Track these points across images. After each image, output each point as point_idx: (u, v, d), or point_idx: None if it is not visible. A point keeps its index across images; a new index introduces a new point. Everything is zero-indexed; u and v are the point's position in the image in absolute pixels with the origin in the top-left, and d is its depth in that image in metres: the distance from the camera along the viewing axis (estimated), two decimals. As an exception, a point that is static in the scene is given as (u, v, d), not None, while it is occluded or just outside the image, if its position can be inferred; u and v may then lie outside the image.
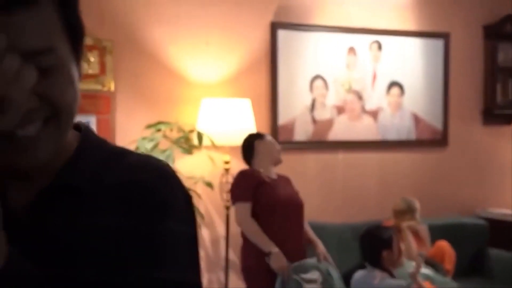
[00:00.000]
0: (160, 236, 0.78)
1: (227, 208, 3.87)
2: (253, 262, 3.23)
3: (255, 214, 3.21)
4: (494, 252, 4.50)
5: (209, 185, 3.73)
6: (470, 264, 4.49)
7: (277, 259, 3.06)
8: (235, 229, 3.84)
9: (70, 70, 0.75)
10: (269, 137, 3.47)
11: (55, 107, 0.73)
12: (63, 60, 0.74)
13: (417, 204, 4.07)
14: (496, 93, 4.94)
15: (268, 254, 3.08)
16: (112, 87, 3.76)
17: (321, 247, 3.34)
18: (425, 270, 3.72)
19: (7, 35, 0.66)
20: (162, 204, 0.80)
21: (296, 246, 3.27)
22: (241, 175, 3.32)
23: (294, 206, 3.32)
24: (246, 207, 3.19)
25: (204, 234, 4.01)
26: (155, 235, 0.78)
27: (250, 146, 3.42)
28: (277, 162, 3.42)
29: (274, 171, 3.41)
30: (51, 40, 0.72)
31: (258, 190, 3.23)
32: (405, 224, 4.00)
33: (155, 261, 0.77)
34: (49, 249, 0.76)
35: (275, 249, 3.07)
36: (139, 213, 0.78)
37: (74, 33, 0.77)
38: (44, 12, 0.71)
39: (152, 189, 0.80)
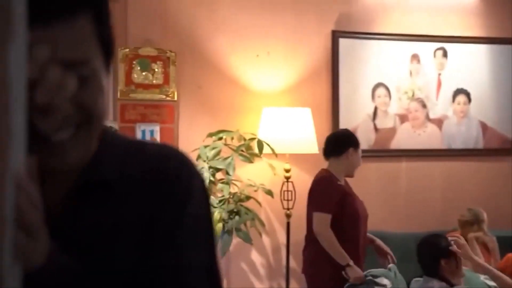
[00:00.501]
0: (186, 221, 0.84)
1: (288, 216, 3.88)
2: (321, 269, 3.25)
3: (337, 224, 3.20)
4: None
5: (269, 193, 3.75)
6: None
7: (355, 271, 3.12)
8: (295, 237, 3.86)
9: (102, 81, 0.80)
10: (360, 149, 3.42)
11: (88, 114, 0.78)
12: (96, 71, 0.79)
13: (485, 215, 3.95)
14: None
15: (346, 266, 3.12)
16: (176, 97, 3.86)
17: (384, 245, 3.37)
18: (491, 282, 3.59)
19: (49, 46, 0.72)
20: (186, 190, 0.85)
21: (363, 255, 3.33)
22: (327, 184, 3.27)
23: (365, 217, 3.35)
24: (327, 218, 3.19)
25: (264, 242, 4.04)
26: (182, 220, 0.84)
27: (342, 148, 3.35)
28: (352, 176, 3.42)
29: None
30: (88, 52, 0.78)
31: (342, 202, 3.23)
32: (471, 235, 3.88)
33: (183, 245, 0.83)
34: (84, 242, 0.81)
35: (351, 262, 3.13)
36: (166, 200, 0.84)
37: (107, 46, 0.82)
38: (81, 26, 0.76)
39: (176, 176, 0.86)
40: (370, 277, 3.14)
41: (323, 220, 3.19)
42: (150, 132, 3.76)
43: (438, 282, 2.83)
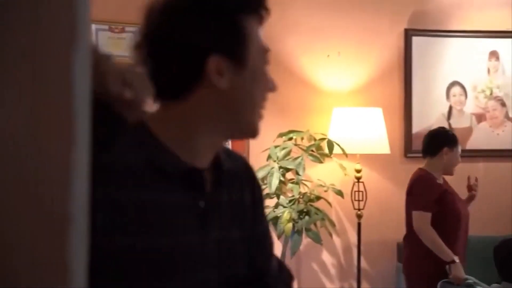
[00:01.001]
0: (263, 201, 1.18)
1: (359, 216, 3.85)
2: (419, 269, 3.23)
3: (438, 223, 3.16)
4: None
5: (340, 193, 3.74)
6: None
7: (458, 269, 3.09)
8: (366, 237, 3.83)
9: None
10: (459, 147, 3.35)
11: None
12: None
13: None
14: None
15: (451, 262, 3.09)
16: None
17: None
18: None
19: None
20: (257, 179, 1.19)
21: (464, 256, 3.27)
22: (424, 183, 3.26)
23: (466, 216, 3.31)
24: (427, 216, 3.16)
25: (335, 242, 4.02)
26: (262, 201, 1.17)
27: (436, 148, 3.30)
28: (450, 174, 3.37)
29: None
30: None
31: (441, 200, 3.20)
32: None
33: (265, 217, 1.23)
34: (219, 218, 1.04)
35: (457, 258, 3.10)
36: (250, 187, 1.14)
37: None
38: None
39: (251, 170, 1.18)
40: (471, 281, 3.07)
41: (422, 218, 3.17)
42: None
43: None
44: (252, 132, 1.09)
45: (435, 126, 4.13)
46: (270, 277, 1.13)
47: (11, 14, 0.60)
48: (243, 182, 1.12)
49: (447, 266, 3.09)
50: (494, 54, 4.28)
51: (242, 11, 0.99)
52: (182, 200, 0.99)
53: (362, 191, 3.85)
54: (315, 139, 3.74)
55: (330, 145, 3.65)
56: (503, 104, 4.28)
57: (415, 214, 3.19)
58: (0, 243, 0.58)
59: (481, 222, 4.17)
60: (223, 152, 1.09)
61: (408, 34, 4.15)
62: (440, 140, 3.31)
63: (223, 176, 1.05)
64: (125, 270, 0.91)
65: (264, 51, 1.06)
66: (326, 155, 3.70)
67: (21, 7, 0.61)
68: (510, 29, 4.26)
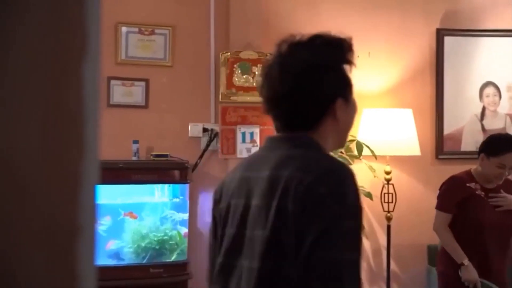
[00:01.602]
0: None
1: (388, 219, 3.82)
2: (447, 269, 3.17)
3: (456, 226, 3.10)
4: None
5: (369, 195, 3.70)
6: None
7: (468, 271, 3.03)
8: (396, 240, 3.79)
9: None
10: (502, 159, 3.02)
11: None
12: None
13: None
14: None
15: (461, 265, 3.04)
16: (272, 99, 3.90)
17: None
18: None
19: None
20: None
21: (498, 269, 3.11)
22: (451, 183, 3.17)
23: (496, 227, 3.08)
24: (445, 217, 3.12)
25: (365, 244, 3.99)
26: None
27: (479, 151, 3.13)
28: (490, 182, 3.11)
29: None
30: None
31: (464, 204, 3.10)
32: None
33: None
34: None
35: (467, 261, 3.03)
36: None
37: None
38: None
39: None
40: (485, 284, 3.02)
41: (440, 218, 3.13)
42: (250, 134, 3.84)
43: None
44: (343, 146, 1.53)
45: (467, 128, 4.08)
46: None
47: (26, 26, 0.61)
48: None
49: (459, 270, 3.03)
50: None
51: (345, 62, 1.37)
52: None
53: (391, 193, 3.81)
54: (344, 141, 3.72)
55: (359, 146, 3.62)
56: (538, 104, 4.18)
57: (436, 212, 3.16)
58: (9, 253, 0.59)
59: None
60: None
61: (440, 34, 4.09)
62: (483, 145, 3.15)
63: None
64: None
65: (352, 92, 1.41)
66: (355, 157, 3.68)
67: (37, 20, 0.62)
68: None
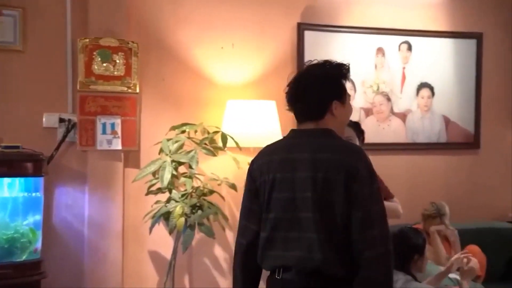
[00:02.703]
0: None
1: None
2: None
3: None
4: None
5: (233, 187, 3.70)
6: (504, 269, 4.36)
7: None
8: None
9: None
10: None
11: None
12: None
13: (447, 209, 3.98)
14: (531, 95, 4.80)
15: None
16: (138, 89, 3.77)
17: None
18: (453, 275, 3.62)
19: None
20: None
21: None
22: None
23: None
24: None
25: (228, 236, 3.99)
26: None
27: None
28: None
29: None
30: None
31: None
32: (433, 228, 3.91)
33: None
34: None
35: None
36: None
37: None
38: None
39: None
40: None
41: None
42: (111, 125, 3.67)
43: (403, 275, 2.83)
44: (342, 134, 2.09)
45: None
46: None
47: None
48: None
49: None
50: (380, 51, 4.43)
51: (344, 77, 2.08)
52: None
53: (255, 185, 3.84)
54: (208, 132, 3.68)
55: (224, 138, 3.60)
56: (389, 99, 4.44)
57: None
58: None
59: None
60: None
61: (301, 28, 4.19)
62: None
63: None
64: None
65: (348, 96, 2.10)
66: (220, 149, 3.65)
67: None
68: (395, 27, 4.43)
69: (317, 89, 2.03)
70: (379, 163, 4.35)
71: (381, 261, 1.84)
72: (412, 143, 4.49)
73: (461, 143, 4.64)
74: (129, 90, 3.74)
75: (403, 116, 4.47)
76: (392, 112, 4.43)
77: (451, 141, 4.60)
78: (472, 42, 4.66)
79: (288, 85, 2.12)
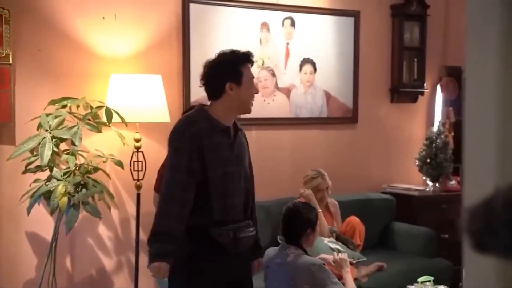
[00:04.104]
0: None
1: (138, 187, 3.74)
2: None
3: None
4: (399, 226, 4.66)
5: (119, 164, 3.57)
6: (378, 237, 4.63)
7: None
8: (145, 208, 3.73)
9: None
10: None
11: None
12: None
13: (326, 176, 4.08)
14: (403, 72, 5.08)
15: None
16: (11, 60, 3.49)
17: None
18: (335, 245, 3.78)
19: None
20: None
21: None
22: None
23: None
24: None
25: (113, 214, 3.86)
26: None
27: None
28: None
29: None
30: None
31: None
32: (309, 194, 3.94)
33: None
34: (238, 146, 2.56)
35: None
36: (246, 139, 2.68)
37: None
38: None
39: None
40: None
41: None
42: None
43: (295, 248, 2.89)
44: (246, 111, 2.58)
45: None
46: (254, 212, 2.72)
47: None
48: (243, 135, 2.63)
49: None
50: (265, 26, 4.45)
51: (242, 63, 2.49)
52: (224, 140, 2.48)
53: (141, 161, 3.74)
54: (91, 107, 3.51)
55: (109, 113, 3.45)
56: (273, 74, 4.49)
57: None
58: None
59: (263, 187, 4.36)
60: (237, 121, 2.58)
61: (186, 1, 4.09)
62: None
63: (238, 130, 2.57)
64: (215, 187, 2.45)
65: (250, 78, 2.52)
66: (104, 124, 3.50)
67: None
68: (277, 2, 4.46)
69: (211, 73, 2.49)
70: (264, 137, 4.47)
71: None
72: (296, 117, 4.59)
73: (341, 117, 4.81)
74: (1, 61, 3.46)
75: (287, 91, 4.54)
76: (276, 87, 4.49)
77: (332, 115, 4.76)
78: (350, 20, 4.82)
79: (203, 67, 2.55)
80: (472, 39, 0.86)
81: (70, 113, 3.46)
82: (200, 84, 2.53)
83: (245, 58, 2.50)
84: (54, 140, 3.32)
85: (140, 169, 3.73)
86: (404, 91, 5.08)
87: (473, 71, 0.88)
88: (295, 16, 4.55)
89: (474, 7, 0.85)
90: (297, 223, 2.92)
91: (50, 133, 3.32)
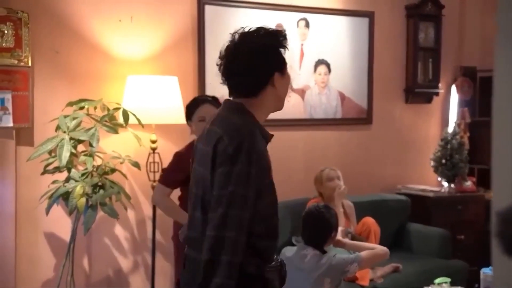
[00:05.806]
0: None
1: (154, 188, 3.76)
2: (176, 234, 3.19)
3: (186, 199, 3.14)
4: (414, 226, 4.65)
5: (136, 165, 3.60)
6: (393, 238, 4.62)
7: None
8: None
9: None
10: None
11: None
12: None
13: (339, 172, 4.07)
14: (418, 72, 5.06)
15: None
16: (30, 62, 3.53)
17: None
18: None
19: None
20: None
21: None
22: (176, 161, 3.20)
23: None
24: (166, 190, 3.17)
25: (130, 215, 3.89)
26: None
27: (188, 116, 3.20)
28: None
29: None
30: None
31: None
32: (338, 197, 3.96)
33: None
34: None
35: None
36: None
37: None
38: None
39: None
40: None
41: (162, 191, 3.24)
42: (1, 100, 3.42)
43: (312, 249, 2.90)
44: (280, 109, 1.96)
45: (227, 96, 4.19)
46: None
47: None
48: None
49: None
50: (279, 27, 4.45)
51: (281, 46, 1.88)
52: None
53: (157, 162, 3.76)
54: (108, 109, 3.53)
55: (125, 115, 3.48)
56: (288, 75, 4.49)
57: (157, 185, 3.30)
58: None
59: (276, 188, 4.36)
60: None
61: (201, 2, 4.11)
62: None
63: None
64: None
65: (286, 68, 1.91)
66: (121, 126, 3.52)
67: None
68: (294, 3, 4.47)
69: (253, 62, 1.82)
70: (279, 138, 4.43)
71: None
72: (310, 119, 4.60)
73: (355, 118, 4.81)
74: (21, 63, 3.50)
75: (301, 92, 4.55)
76: (291, 88, 4.50)
77: (346, 116, 4.76)
78: (365, 21, 4.82)
79: (220, 57, 1.92)
80: (502, 40, 0.86)
81: (88, 114, 3.49)
82: (230, 78, 1.90)
83: (285, 39, 1.88)
84: (72, 141, 3.35)
85: (156, 170, 3.75)
86: (419, 91, 5.07)
87: (502, 72, 0.88)
88: (310, 17, 4.56)
89: (505, 9, 0.85)
90: (321, 228, 2.93)
91: (68, 134, 3.35)
